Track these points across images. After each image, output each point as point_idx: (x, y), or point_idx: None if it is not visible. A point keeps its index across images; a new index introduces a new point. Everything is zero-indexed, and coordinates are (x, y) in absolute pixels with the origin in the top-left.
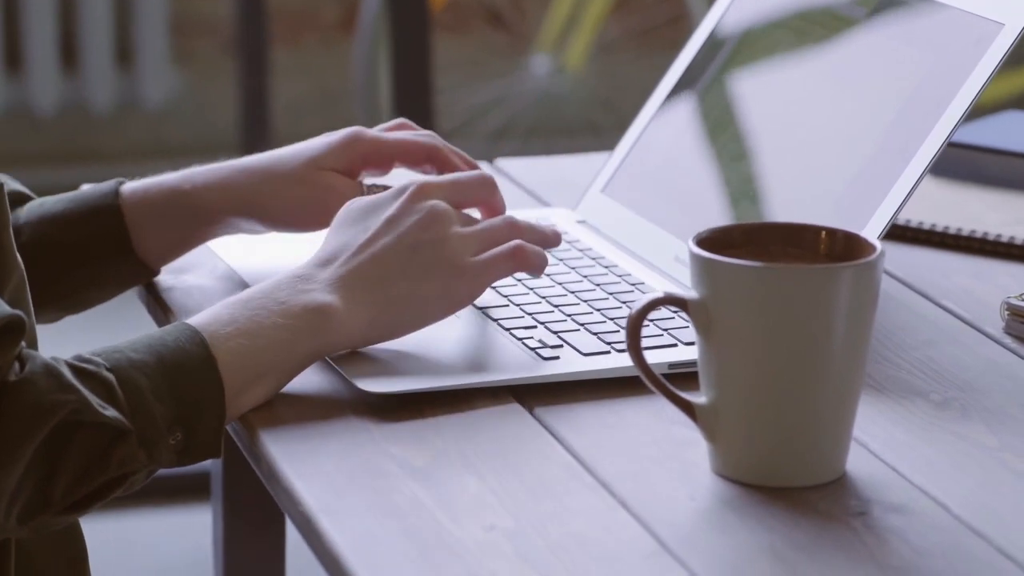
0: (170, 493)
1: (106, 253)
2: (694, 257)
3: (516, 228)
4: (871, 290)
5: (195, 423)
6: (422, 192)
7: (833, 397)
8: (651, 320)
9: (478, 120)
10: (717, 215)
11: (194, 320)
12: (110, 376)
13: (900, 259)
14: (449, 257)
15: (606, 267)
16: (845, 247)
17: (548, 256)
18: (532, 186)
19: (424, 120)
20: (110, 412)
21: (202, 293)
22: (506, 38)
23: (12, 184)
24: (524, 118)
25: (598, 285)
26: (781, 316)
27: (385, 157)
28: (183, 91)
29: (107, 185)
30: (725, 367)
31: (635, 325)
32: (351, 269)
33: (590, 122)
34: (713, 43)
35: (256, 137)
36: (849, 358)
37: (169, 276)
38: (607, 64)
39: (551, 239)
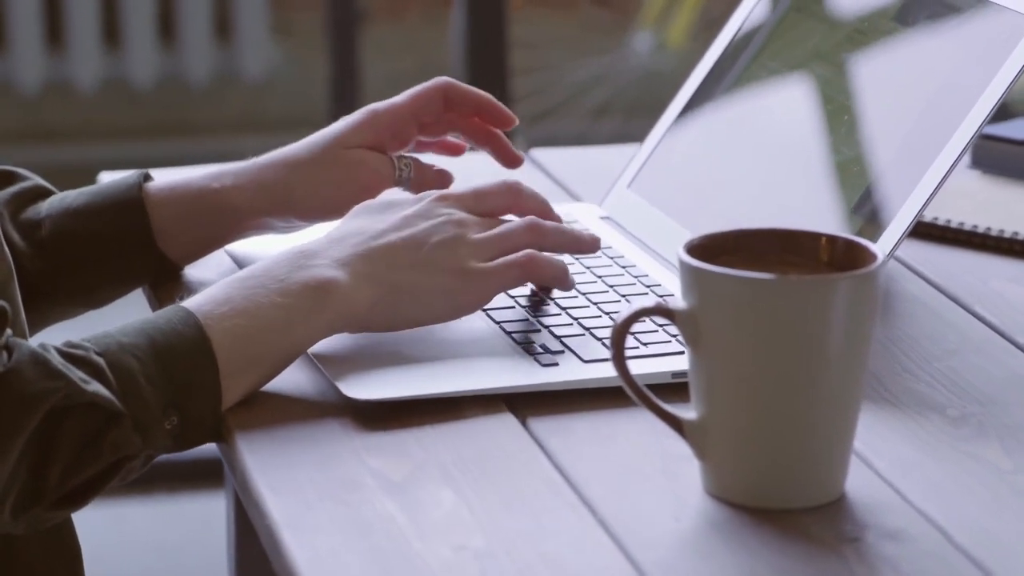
0: (182, 479)
1: (128, 248)
2: (682, 265)
3: (538, 233)
4: (870, 301)
5: (190, 407)
6: (442, 200)
7: (829, 415)
8: (660, 325)
9: (580, 97)
10: (741, 215)
11: (189, 301)
12: (100, 359)
13: (936, 261)
14: (458, 260)
15: (624, 267)
16: (846, 255)
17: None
18: (565, 178)
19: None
20: (95, 387)
21: (204, 288)
22: (609, 15)
23: (34, 179)
24: (626, 95)
25: (612, 287)
26: (772, 329)
27: (406, 120)
28: (282, 64)
29: (130, 177)
30: (714, 382)
31: (619, 336)
32: (360, 251)
33: None
34: (744, 35)
35: (346, 113)
36: (846, 373)
37: None
38: (709, 41)
39: (585, 244)
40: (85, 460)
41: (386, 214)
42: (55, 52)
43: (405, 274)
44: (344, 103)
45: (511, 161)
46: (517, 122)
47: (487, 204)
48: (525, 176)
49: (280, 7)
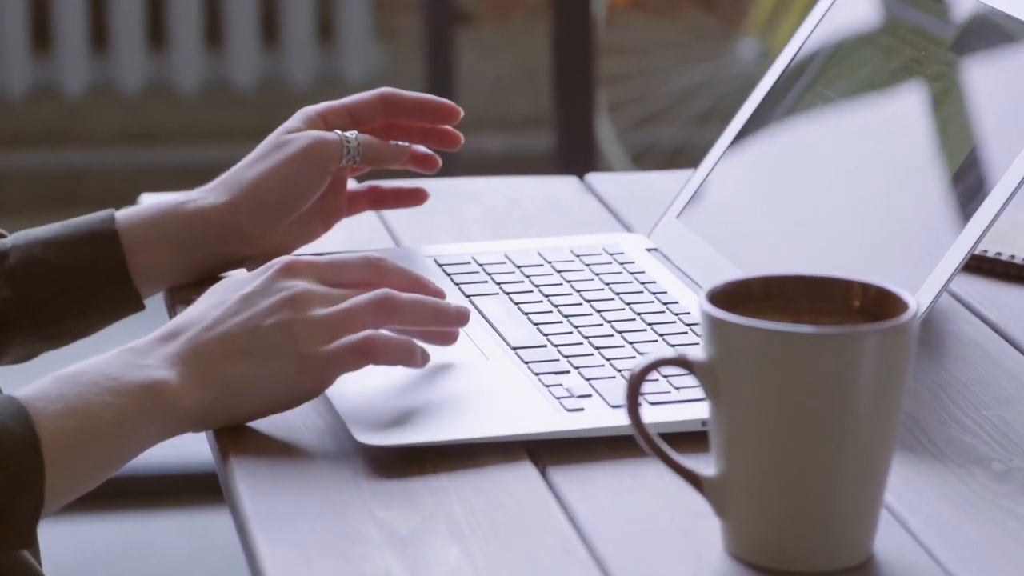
0: (199, 493)
1: (100, 278)
2: (702, 314)
3: (387, 309)
4: (901, 354)
5: (10, 510)
6: (288, 270)
7: (856, 473)
8: None
9: (684, 103)
10: (789, 252)
11: (22, 393)
12: None
13: (995, 298)
14: (294, 344)
15: (665, 304)
16: (878, 303)
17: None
18: (619, 205)
19: (584, 113)
20: None
21: None
22: (714, 21)
23: None
24: (730, 102)
25: (650, 325)
26: (796, 383)
27: (337, 112)
28: (384, 67)
29: (101, 212)
30: (735, 436)
31: (634, 386)
32: (192, 346)
33: None
34: (801, 61)
35: None
36: (875, 429)
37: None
38: None
39: (446, 318)
40: None
41: (226, 296)
42: (157, 54)
43: (238, 365)
44: None
45: (448, 142)
46: (462, 113)
47: (344, 278)
48: (577, 203)
49: (383, 10)
